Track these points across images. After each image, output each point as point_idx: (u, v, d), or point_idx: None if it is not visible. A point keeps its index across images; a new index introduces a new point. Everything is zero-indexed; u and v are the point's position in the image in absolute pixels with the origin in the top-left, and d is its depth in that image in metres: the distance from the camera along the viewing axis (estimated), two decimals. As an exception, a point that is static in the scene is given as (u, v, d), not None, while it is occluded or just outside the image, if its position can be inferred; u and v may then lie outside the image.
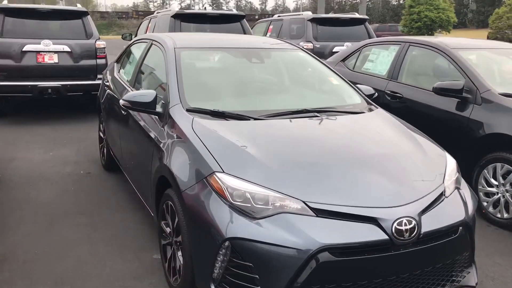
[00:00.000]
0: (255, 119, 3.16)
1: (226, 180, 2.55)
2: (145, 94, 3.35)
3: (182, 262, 2.79)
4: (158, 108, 3.35)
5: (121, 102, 3.41)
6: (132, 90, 4.09)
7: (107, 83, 4.97)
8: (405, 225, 2.43)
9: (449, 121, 4.52)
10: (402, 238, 2.41)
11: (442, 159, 3.04)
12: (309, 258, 2.29)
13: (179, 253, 2.88)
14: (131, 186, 4.57)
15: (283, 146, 2.90)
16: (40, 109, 8.62)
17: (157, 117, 3.39)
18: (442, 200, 2.67)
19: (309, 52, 4.22)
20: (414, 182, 2.73)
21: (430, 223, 2.51)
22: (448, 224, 2.58)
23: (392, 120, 3.49)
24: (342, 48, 9.12)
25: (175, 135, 3.09)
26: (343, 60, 6.28)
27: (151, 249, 3.60)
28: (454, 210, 2.69)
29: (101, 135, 5.44)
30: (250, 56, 3.98)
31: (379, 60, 5.70)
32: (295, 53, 4.18)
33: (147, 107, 3.33)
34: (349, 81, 4.01)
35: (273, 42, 4.31)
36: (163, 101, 3.39)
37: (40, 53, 7.35)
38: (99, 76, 7.65)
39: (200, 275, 2.65)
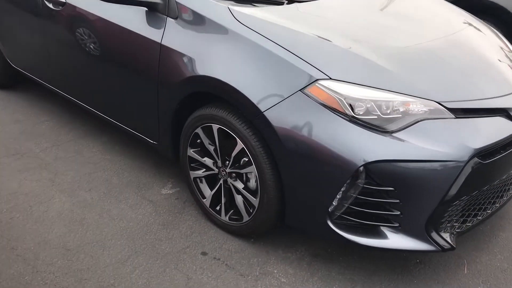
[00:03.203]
0: (289, 1, 2.46)
1: (338, 89, 1.92)
2: None
3: (257, 199, 2.17)
4: None
5: None
6: None
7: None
8: None
9: None
10: None
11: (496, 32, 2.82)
12: (463, 167, 1.91)
13: (240, 186, 2.26)
14: (56, 106, 3.57)
15: (367, 35, 2.29)
16: None
17: (146, 9, 2.43)
18: None
19: None
20: (504, 61, 2.45)
21: None
22: None
23: None
24: None
25: (208, 33, 2.23)
26: None
27: (150, 184, 2.83)
28: None
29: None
30: None
31: None
32: None
33: None
34: None
35: None
36: None
37: None
38: None
39: (300, 212, 2.10)
